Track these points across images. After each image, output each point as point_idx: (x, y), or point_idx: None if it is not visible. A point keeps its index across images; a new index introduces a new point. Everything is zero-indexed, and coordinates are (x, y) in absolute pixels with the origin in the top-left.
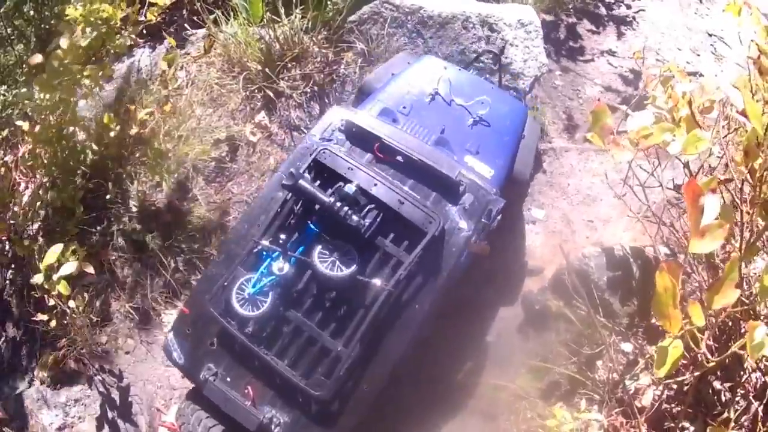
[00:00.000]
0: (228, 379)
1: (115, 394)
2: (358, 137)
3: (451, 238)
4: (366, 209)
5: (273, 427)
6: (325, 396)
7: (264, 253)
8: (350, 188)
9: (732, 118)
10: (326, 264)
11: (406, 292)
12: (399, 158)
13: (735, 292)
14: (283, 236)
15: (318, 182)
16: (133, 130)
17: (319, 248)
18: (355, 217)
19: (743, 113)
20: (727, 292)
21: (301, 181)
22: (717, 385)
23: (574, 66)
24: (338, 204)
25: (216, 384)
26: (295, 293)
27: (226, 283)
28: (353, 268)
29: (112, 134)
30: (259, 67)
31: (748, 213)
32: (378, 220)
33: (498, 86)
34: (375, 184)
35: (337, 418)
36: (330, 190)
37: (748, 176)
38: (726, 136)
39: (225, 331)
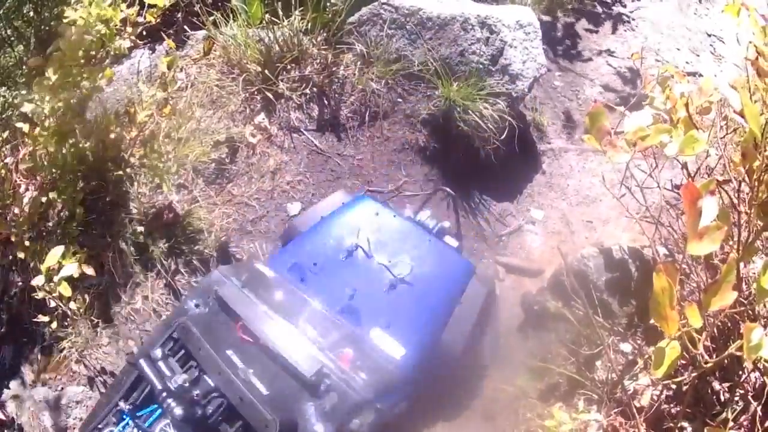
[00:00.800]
0: None
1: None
2: (223, 305)
3: None
4: (210, 396)
5: None
6: None
7: (124, 413)
8: (176, 381)
9: (730, 119)
10: None
11: None
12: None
13: (732, 293)
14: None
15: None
16: (133, 133)
17: (164, 423)
18: (198, 408)
19: (741, 114)
20: (724, 294)
21: (141, 360)
22: (716, 385)
23: (572, 66)
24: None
25: None
26: None
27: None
28: None
29: (112, 136)
30: (259, 69)
31: (746, 213)
32: (222, 408)
33: (437, 238)
34: (219, 373)
35: None
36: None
37: (746, 177)
38: (724, 137)
39: None
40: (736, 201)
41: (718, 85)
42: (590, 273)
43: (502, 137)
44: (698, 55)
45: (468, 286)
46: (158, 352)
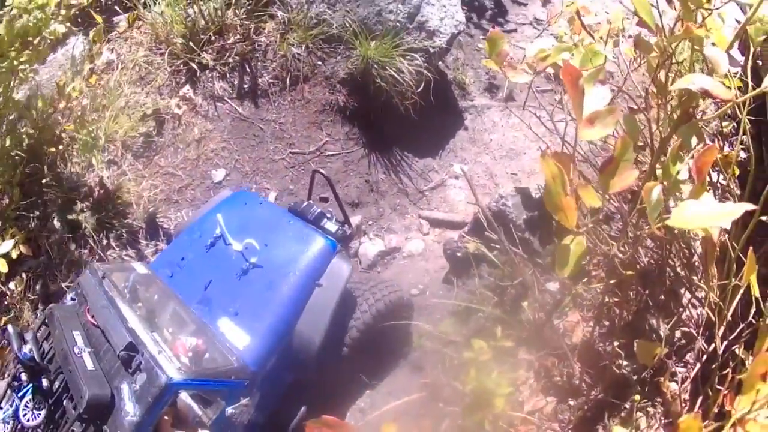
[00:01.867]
0: None
1: None
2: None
3: (117, 417)
4: (58, 371)
5: None
6: None
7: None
8: (24, 351)
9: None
10: (26, 412)
11: None
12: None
13: (633, 172)
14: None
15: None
16: (62, 104)
17: (28, 398)
18: (44, 380)
19: (642, 23)
20: (623, 174)
21: (11, 332)
22: (653, 322)
23: (492, 29)
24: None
25: None
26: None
27: None
28: (37, 421)
29: (45, 117)
30: (184, 42)
31: (658, 119)
32: (64, 383)
33: (301, 220)
34: (62, 349)
35: None
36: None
37: (653, 85)
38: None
39: None
40: (643, 109)
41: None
42: (509, 212)
43: (421, 91)
44: (628, 19)
45: (331, 266)
46: (29, 335)
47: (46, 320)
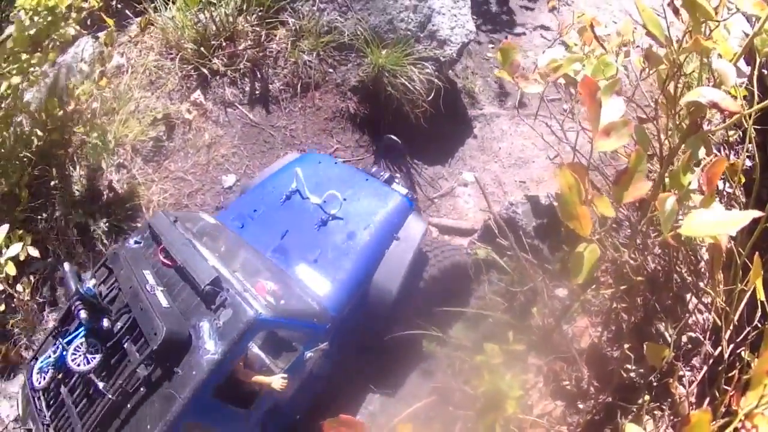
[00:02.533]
0: None
1: None
2: (154, 236)
3: (193, 357)
4: (121, 312)
5: None
6: None
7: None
8: (86, 284)
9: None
10: (76, 356)
11: (134, 405)
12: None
13: (646, 183)
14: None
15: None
16: (71, 107)
17: (78, 342)
18: (105, 321)
19: (651, 35)
20: (637, 185)
21: (66, 270)
22: (660, 327)
23: (505, 39)
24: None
25: None
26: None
27: (36, 356)
28: (90, 365)
29: (55, 119)
30: (195, 47)
31: (667, 129)
32: (127, 324)
33: (376, 179)
34: (130, 287)
35: None
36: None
37: (662, 96)
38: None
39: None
40: (654, 118)
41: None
42: (519, 219)
43: (431, 100)
44: (635, 29)
45: (408, 222)
46: (88, 274)
47: (107, 262)
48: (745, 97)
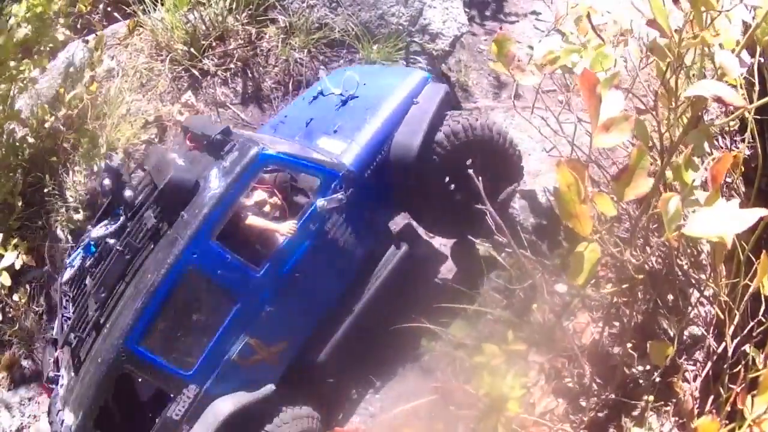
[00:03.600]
0: None
1: None
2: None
3: (198, 198)
4: (144, 185)
5: None
6: None
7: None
8: (118, 163)
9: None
10: (100, 228)
11: (141, 258)
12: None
13: (648, 180)
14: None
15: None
16: (62, 112)
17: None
18: (128, 192)
19: (652, 24)
20: (638, 182)
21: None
22: (662, 322)
23: (498, 30)
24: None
25: None
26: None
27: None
28: (108, 230)
29: (47, 125)
30: (185, 48)
31: (666, 121)
32: (153, 194)
33: (397, 66)
34: (156, 161)
35: None
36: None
37: (663, 88)
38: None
39: None
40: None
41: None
42: (516, 215)
43: None
44: (632, 20)
45: (425, 89)
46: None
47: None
48: (742, 86)
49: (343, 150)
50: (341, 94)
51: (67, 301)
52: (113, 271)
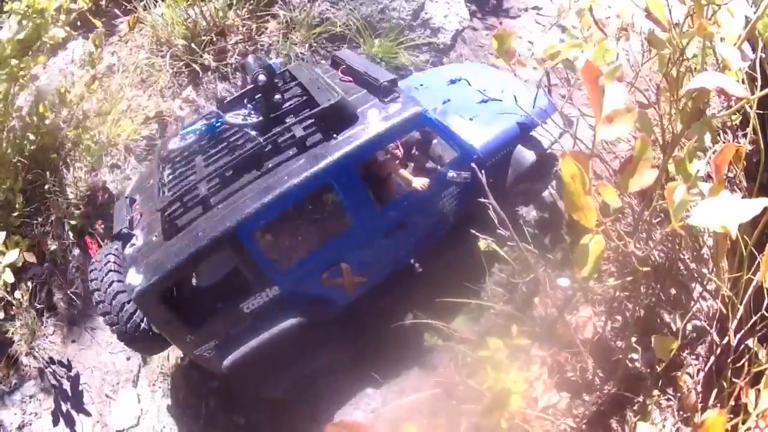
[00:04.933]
0: None
1: (66, 386)
2: (335, 65)
3: (354, 130)
4: (293, 95)
5: None
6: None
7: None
8: (276, 63)
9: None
10: (237, 115)
11: (280, 159)
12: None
13: (652, 171)
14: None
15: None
16: (63, 110)
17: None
18: (277, 95)
19: (653, 18)
20: (642, 173)
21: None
22: (665, 316)
23: (499, 25)
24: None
25: None
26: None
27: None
28: (249, 121)
29: (47, 122)
30: (185, 43)
31: (668, 114)
32: (294, 102)
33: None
34: (309, 79)
35: None
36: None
37: (664, 81)
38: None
39: None
40: (655, 105)
41: None
42: (519, 209)
43: None
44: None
45: (536, 132)
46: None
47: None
48: (744, 81)
49: (475, 138)
50: (483, 92)
51: (165, 167)
52: (246, 160)
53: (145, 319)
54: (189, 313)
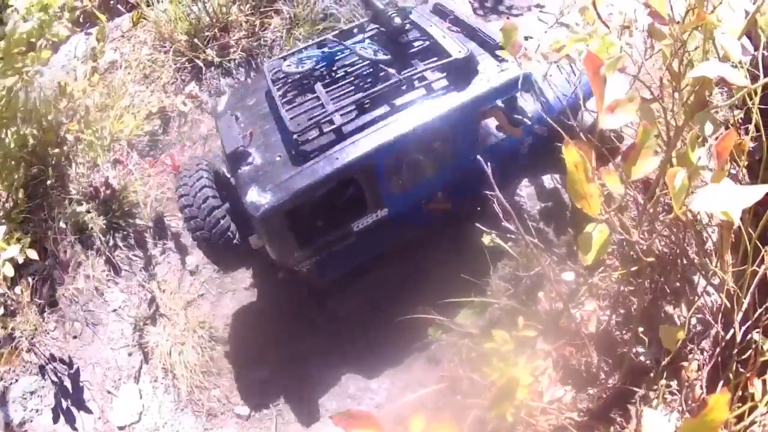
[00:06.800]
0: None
1: (67, 382)
2: (439, 13)
3: (478, 82)
4: (416, 38)
5: None
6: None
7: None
8: (409, 7)
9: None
10: (365, 49)
11: (409, 96)
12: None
13: (655, 159)
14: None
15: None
16: (65, 105)
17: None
18: (403, 38)
19: (654, 13)
20: (645, 161)
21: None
22: (669, 309)
23: (505, 20)
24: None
25: None
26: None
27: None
28: (379, 56)
29: (50, 117)
30: (188, 39)
31: (671, 109)
32: (422, 45)
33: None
34: (431, 26)
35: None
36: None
37: (667, 73)
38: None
39: None
40: (660, 97)
41: None
42: (523, 202)
43: None
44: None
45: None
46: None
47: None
48: (746, 76)
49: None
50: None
51: (285, 91)
52: (384, 93)
53: (234, 231)
54: (300, 231)
